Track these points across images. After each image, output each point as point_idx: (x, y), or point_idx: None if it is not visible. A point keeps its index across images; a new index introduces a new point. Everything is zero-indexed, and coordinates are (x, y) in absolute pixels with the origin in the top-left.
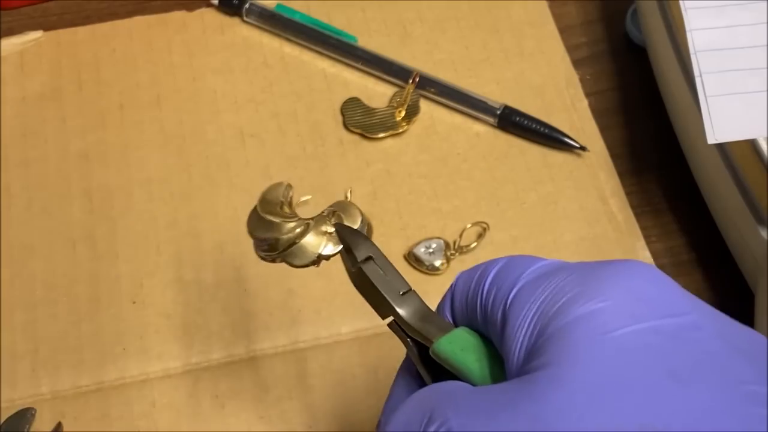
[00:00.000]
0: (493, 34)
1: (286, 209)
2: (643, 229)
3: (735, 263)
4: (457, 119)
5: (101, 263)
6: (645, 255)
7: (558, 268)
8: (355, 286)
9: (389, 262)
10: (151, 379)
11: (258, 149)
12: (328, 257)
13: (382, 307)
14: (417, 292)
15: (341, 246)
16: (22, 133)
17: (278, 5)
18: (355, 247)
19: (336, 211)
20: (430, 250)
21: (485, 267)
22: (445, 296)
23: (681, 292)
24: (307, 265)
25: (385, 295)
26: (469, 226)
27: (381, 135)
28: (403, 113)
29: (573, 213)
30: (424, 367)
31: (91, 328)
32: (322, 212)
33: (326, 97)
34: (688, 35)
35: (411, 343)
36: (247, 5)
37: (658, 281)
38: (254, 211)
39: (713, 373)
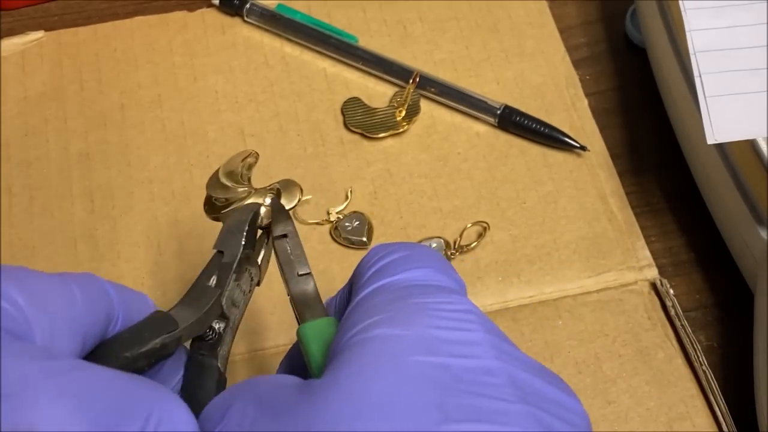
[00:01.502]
0: (494, 34)
1: (242, 177)
2: (642, 228)
3: (735, 263)
4: (458, 119)
5: (102, 263)
6: (645, 255)
7: (403, 285)
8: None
9: (300, 243)
10: None
11: (259, 149)
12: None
13: (286, 283)
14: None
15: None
16: (24, 133)
17: (279, 5)
18: (275, 223)
19: (278, 187)
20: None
21: (375, 253)
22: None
23: (496, 340)
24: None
25: (284, 272)
26: (469, 225)
27: (381, 135)
28: (403, 113)
29: (573, 212)
30: None
31: None
32: (268, 186)
33: (327, 96)
34: (688, 35)
35: (298, 322)
36: (248, 5)
37: (470, 323)
38: (216, 172)
39: (479, 414)
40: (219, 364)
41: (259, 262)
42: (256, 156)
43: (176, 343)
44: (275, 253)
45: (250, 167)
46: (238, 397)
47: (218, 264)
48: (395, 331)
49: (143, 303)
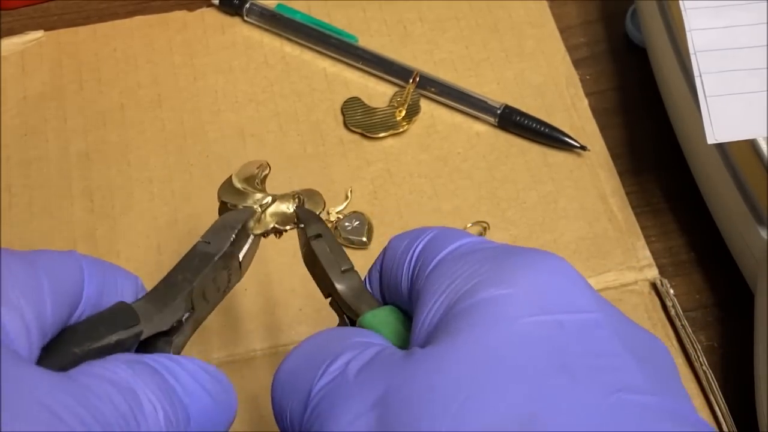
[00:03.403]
0: (494, 33)
1: (258, 184)
2: (643, 228)
3: (735, 263)
4: (458, 119)
5: None
6: (645, 254)
7: (478, 248)
8: (305, 263)
9: (337, 241)
10: None
11: (259, 149)
12: (281, 231)
13: (324, 283)
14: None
15: (296, 225)
16: (23, 133)
17: (279, 5)
18: (308, 225)
19: (301, 195)
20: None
21: (416, 235)
22: (376, 259)
23: (589, 291)
24: (262, 234)
25: (327, 270)
26: (469, 225)
27: (381, 134)
28: (403, 113)
29: (573, 212)
30: None
31: None
32: (289, 193)
33: (327, 96)
34: (688, 35)
35: (346, 320)
36: (247, 5)
37: (569, 276)
38: (228, 179)
39: (603, 373)
40: (171, 352)
41: (241, 260)
42: (269, 167)
43: (134, 339)
44: (314, 253)
45: (265, 177)
46: (338, 355)
47: (198, 254)
48: (503, 291)
49: (130, 284)
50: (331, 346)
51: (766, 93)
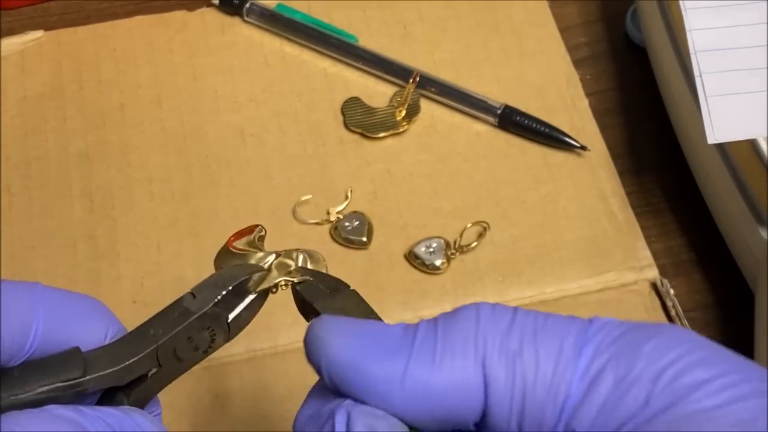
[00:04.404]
0: (494, 33)
1: (257, 243)
2: (643, 228)
3: (735, 263)
4: (458, 119)
5: (102, 263)
6: (645, 255)
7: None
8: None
9: (354, 294)
10: None
11: (258, 149)
12: (289, 283)
13: None
14: (418, 291)
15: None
16: (23, 133)
17: (279, 5)
18: (314, 302)
19: (303, 253)
20: (431, 250)
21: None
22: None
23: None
24: (269, 290)
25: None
26: (469, 225)
27: (381, 134)
28: (403, 113)
29: (573, 212)
30: None
31: None
32: (291, 249)
33: (327, 96)
34: (688, 35)
35: None
36: (247, 5)
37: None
38: (225, 246)
39: None
40: (127, 404)
41: (230, 320)
42: (264, 229)
43: (74, 395)
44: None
45: (261, 239)
46: None
47: (179, 309)
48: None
49: (98, 326)
50: None
51: (766, 93)
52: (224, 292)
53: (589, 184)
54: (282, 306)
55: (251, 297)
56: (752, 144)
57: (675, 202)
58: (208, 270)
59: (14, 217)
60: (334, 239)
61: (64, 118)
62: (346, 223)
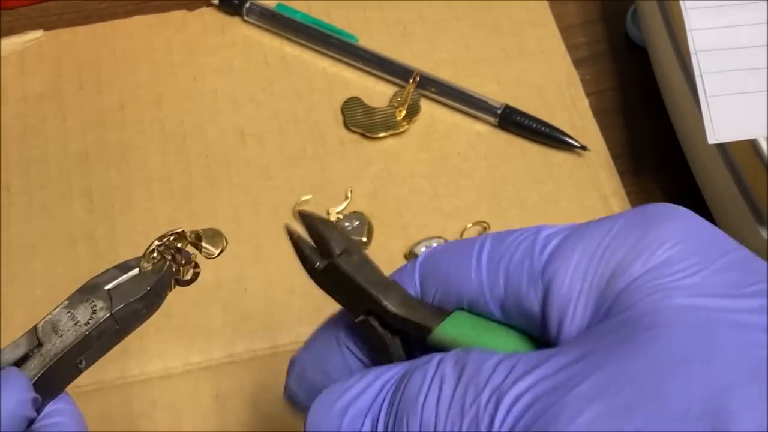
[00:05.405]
0: (494, 33)
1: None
2: None
3: None
4: (458, 119)
5: (102, 263)
6: None
7: (586, 224)
8: (321, 284)
9: (365, 253)
10: (152, 379)
11: (258, 149)
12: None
13: (358, 303)
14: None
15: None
16: (23, 133)
17: (279, 5)
18: (331, 239)
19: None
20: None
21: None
22: (407, 264)
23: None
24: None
25: (369, 289)
26: (469, 225)
27: (381, 134)
28: (403, 113)
29: (573, 212)
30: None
31: None
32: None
33: (327, 96)
34: (688, 35)
35: (390, 337)
36: (247, 5)
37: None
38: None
39: None
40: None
41: (108, 290)
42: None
43: None
44: (346, 275)
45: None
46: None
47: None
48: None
49: None
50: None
51: (766, 93)
52: (107, 269)
53: (589, 184)
54: (282, 306)
55: (135, 271)
56: (753, 144)
57: (675, 202)
58: (209, 270)
59: (14, 217)
60: None
61: (64, 118)
62: (346, 223)
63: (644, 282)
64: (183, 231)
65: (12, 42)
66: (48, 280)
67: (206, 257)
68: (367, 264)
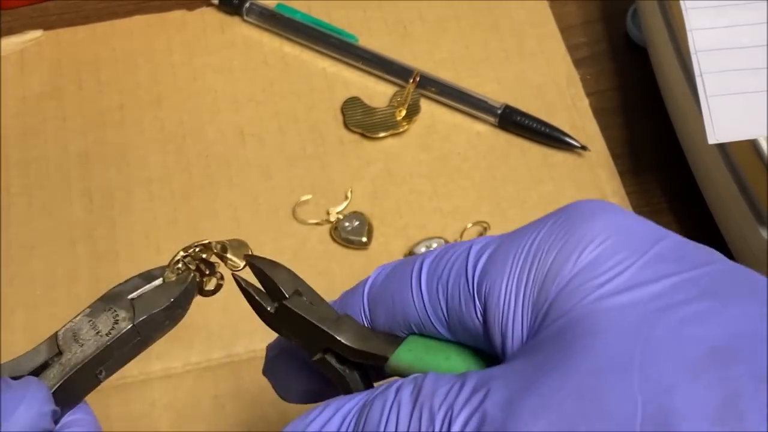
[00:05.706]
0: (494, 33)
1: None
2: None
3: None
4: (458, 119)
5: (101, 263)
6: None
7: (514, 232)
8: (274, 327)
9: (313, 290)
10: (152, 379)
11: (258, 149)
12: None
13: (313, 341)
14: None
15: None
16: (23, 133)
17: (279, 5)
18: (280, 282)
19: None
20: (431, 250)
21: (422, 259)
22: (356, 290)
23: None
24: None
25: (321, 326)
26: (469, 225)
27: (381, 134)
28: (403, 113)
29: None
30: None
31: None
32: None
33: (326, 96)
34: (689, 35)
35: (348, 371)
36: (247, 4)
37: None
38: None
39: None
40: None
41: (131, 299)
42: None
43: None
44: (296, 313)
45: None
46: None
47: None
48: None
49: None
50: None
51: (766, 93)
52: (130, 277)
53: (589, 184)
54: None
55: (159, 281)
56: (753, 144)
57: (675, 202)
58: None
59: (13, 217)
60: (334, 239)
61: (64, 117)
62: (346, 223)
63: (575, 286)
64: (209, 242)
65: (12, 42)
66: (48, 280)
67: (231, 269)
68: (319, 302)
